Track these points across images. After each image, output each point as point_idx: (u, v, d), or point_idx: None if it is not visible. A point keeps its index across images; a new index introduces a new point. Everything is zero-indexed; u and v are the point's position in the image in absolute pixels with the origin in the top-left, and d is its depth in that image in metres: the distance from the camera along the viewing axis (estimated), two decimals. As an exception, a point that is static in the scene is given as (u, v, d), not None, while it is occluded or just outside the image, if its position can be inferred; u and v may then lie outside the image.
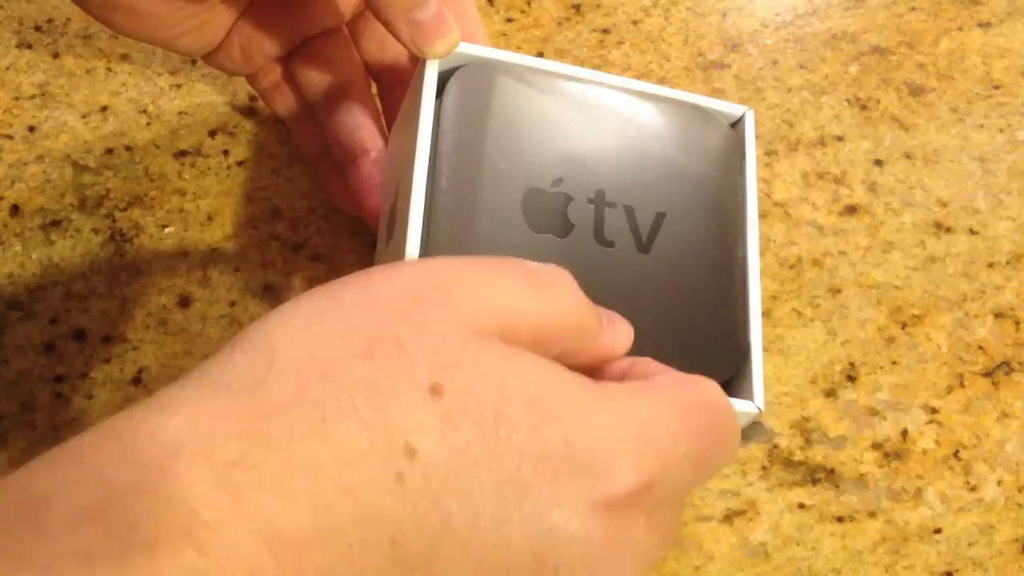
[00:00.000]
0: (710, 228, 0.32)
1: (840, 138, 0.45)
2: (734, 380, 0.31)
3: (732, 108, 0.34)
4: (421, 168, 0.29)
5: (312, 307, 0.23)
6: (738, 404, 0.29)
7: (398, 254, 0.29)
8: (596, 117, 0.32)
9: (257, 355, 0.21)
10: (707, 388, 0.26)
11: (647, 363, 0.27)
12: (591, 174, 0.31)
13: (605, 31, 0.47)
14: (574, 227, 0.30)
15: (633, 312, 0.28)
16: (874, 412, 0.39)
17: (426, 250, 0.29)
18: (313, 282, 0.40)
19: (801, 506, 0.38)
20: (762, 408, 0.30)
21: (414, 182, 0.29)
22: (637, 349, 0.27)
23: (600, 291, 0.27)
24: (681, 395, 0.25)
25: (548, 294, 0.25)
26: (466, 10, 0.35)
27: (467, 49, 0.31)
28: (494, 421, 0.22)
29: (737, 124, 0.34)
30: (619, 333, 0.27)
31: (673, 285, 0.31)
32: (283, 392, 0.21)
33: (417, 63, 0.32)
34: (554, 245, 0.30)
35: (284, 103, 0.40)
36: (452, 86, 0.31)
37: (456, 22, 0.31)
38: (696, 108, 0.33)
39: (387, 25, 0.30)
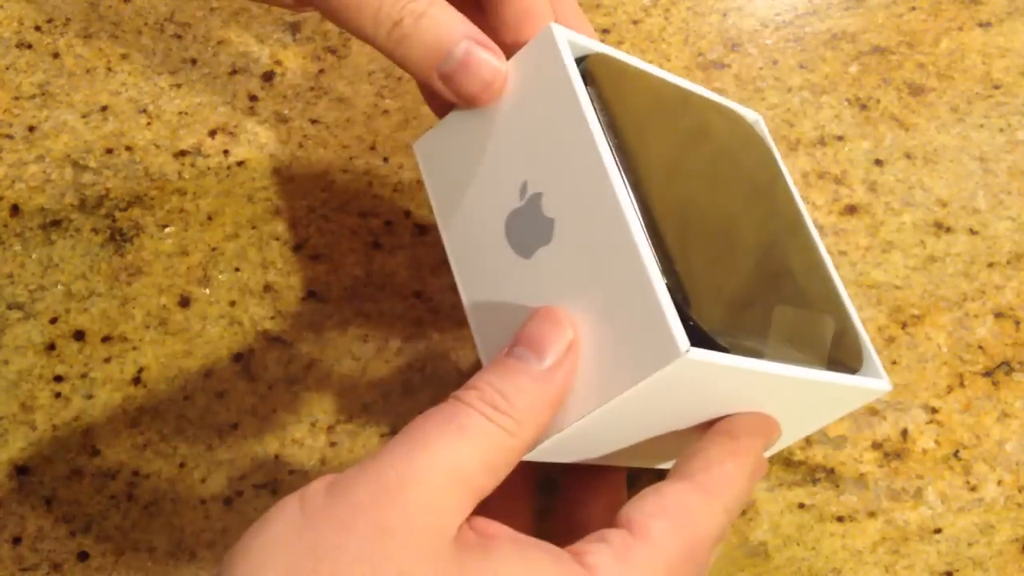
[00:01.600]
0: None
1: (840, 138, 0.45)
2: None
3: (744, 112, 0.35)
4: (606, 159, 0.27)
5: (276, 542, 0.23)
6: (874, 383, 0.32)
7: (591, 257, 0.26)
8: (689, 122, 0.32)
9: None
10: (695, 522, 0.27)
11: (643, 502, 0.27)
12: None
13: (605, 31, 0.47)
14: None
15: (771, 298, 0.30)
16: (874, 412, 0.39)
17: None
18: (313, 282, 0.40)
19: (801, 506, 0.38)
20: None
21: (609, 178, 0.26)
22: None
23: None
24: (670, 549, 0.26)
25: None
26: (567, 8, 0.33)
27: (581, 40, 0.29)
28: None
29: None
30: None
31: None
32: None
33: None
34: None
35: None
36: (595, 77, 0.28)
37: (562, 17, 0.30)
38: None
39: (423, 85, 0.29)
